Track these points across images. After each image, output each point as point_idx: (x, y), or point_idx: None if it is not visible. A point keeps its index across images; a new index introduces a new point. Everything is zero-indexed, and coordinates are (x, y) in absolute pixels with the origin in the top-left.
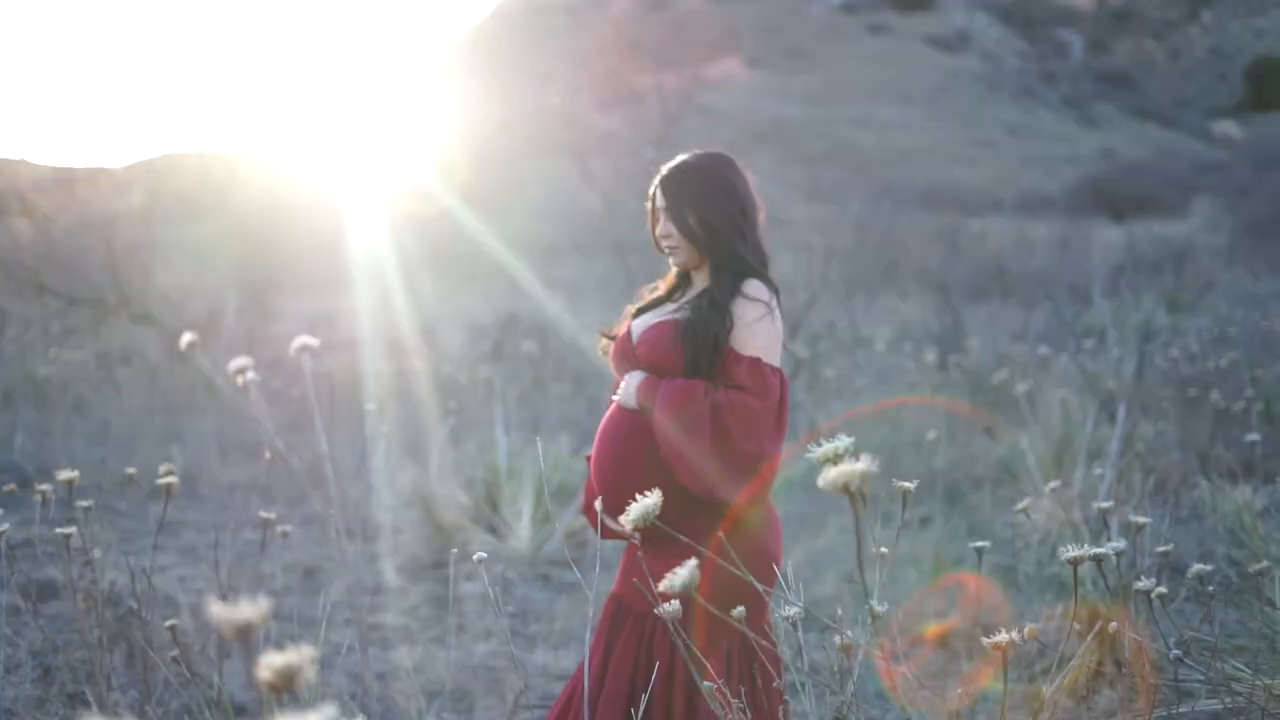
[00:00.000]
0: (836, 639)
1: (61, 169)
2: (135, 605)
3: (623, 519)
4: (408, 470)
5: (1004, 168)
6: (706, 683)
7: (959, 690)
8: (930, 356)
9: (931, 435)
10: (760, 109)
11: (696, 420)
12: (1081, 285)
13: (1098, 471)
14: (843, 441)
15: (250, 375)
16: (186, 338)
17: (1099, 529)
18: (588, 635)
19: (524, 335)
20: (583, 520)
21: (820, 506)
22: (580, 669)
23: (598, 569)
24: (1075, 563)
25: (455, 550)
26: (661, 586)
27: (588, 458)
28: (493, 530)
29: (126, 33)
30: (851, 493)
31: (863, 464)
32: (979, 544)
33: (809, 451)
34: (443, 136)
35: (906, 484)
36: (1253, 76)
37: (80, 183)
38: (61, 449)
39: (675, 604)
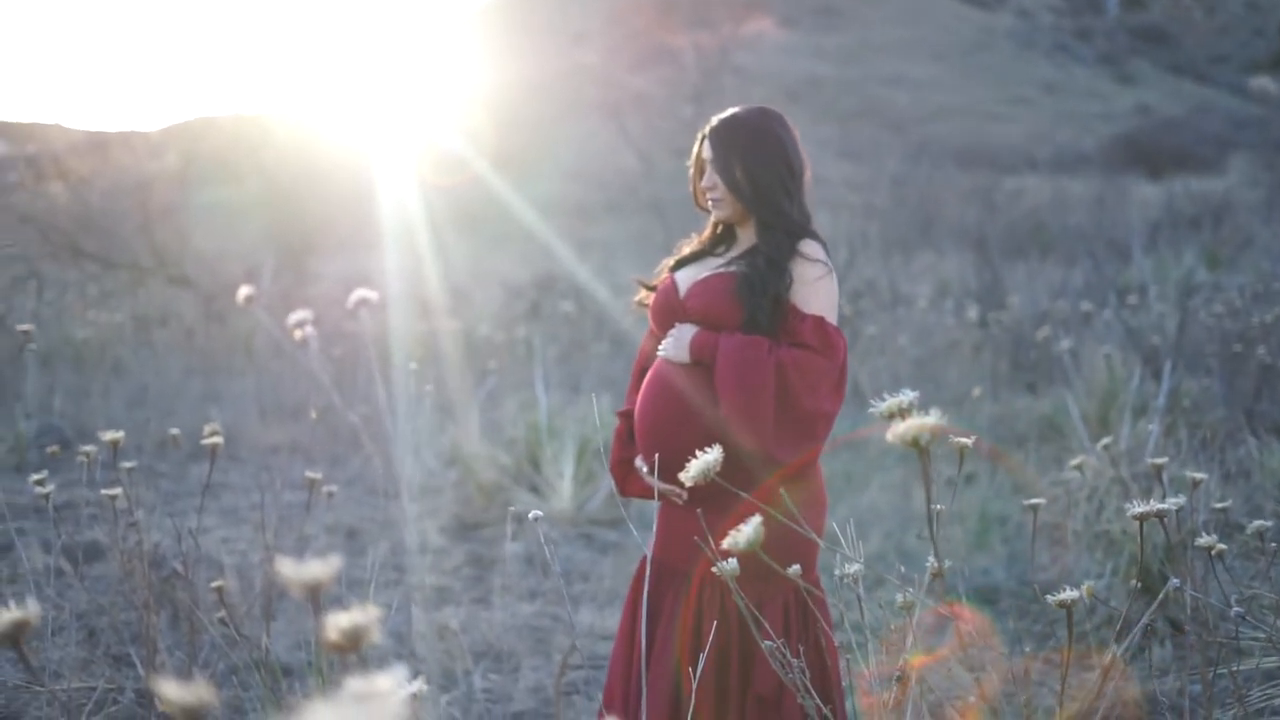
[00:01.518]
0: (898, 597)
1: (96, 133)
2: (180, 567)
3: (682, 475)
4: (448, 431)
5: (1039, 125)
6: (766, 641)
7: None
8: (972, 313)
9: (976, 392)
10: (793, 67)
11: (760, 376)
12: (1120, 242)
13: (1149, 428)
14: (907, 395)
15: (309, 329)
16: (244, 291)
17: (1147, 486)
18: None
19: (560, 295)
20: None
21: (864, 465)
22: (621, 632)
23: (640, 529)
24: (1141, 519)
25: (509, 507)
26: (725, 543)
27: (619, 413)
28: (534, 490)
29: None
30: (921, 447)
31: (932, 418)
32: (1033, 501)
33: (871, 407)
34: (474, 97)
35: (964, 439)
36: None
37: (115, 146)
38: (100, 411)
39: (733, 562)
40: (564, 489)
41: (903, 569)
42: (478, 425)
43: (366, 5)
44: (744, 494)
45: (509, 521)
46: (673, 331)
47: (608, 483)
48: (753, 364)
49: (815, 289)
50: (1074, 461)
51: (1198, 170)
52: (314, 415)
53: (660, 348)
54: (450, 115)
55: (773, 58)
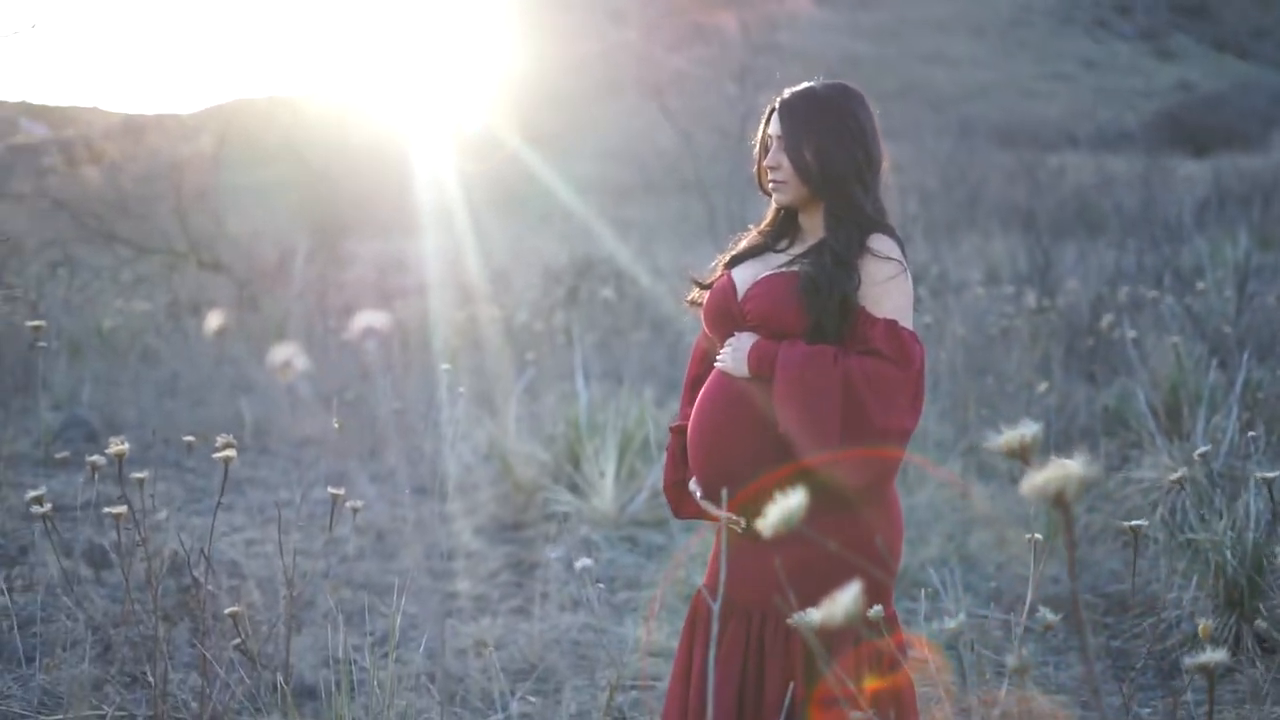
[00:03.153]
0: (949, 622)
1: (132, 116)
2: (198, 578)
3: (760, 523)
4: (483, 424)
5: (1080, 102)
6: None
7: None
8: (1030, 299)
9: (1043, 386)
10: (830, 46)
11: (825, 390)
12: (1170, 221)
13: (1226, 423)
14: (1029, 429)
15: (300, 365)
16: (213, 322)
17: (1228, 487)
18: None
19: (599, 280)
20: None
21: (920, 457)
22: (676, 670)
23: (687, 533)
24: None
25: (549, 508)
26: (821, 614)
27: (672, 428)
28: (574, 489)
29: None
30: (1065, 503)
31: (1078, 465)
32: (1134, 523)
33: (985, 440)
34: (511, 76)
35: (1025, 434)
36: None
37: (149, 129)
38: (130, 401)
39: (813, 612)
40: (606, 488)
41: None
42: (515, 419)
43: None
44: (814, 534)
45: (541, 522)
46: (731, 340)
47: (652, 481)
48: (817, 376)
49: (887, 289)
50: (1173, 476)
51: (1242, 147)
52: (337, 425)
53: (717, 358)
54: (487, 95)
55: (810, 36)
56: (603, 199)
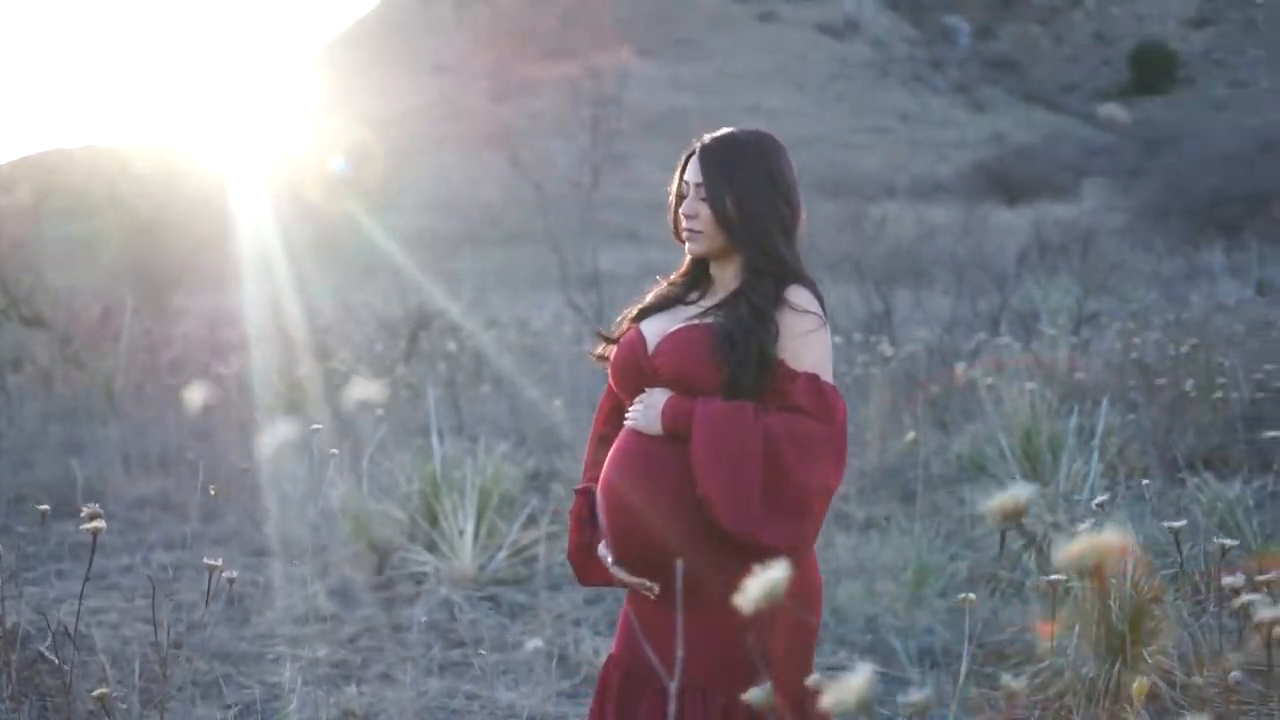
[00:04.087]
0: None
1: None
2: (47, 652)
3: (739, 599)
4: (332, 484)
5: (896, 153)
6: None
7: None
8: (883, 347)
9: (911, 436)
10: (653, 98)
11: (745, 448)
12: (994, 268)
13: (1087, 467)
14: (1023, 490)
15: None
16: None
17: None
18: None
19: (439, 333)
20: (531, 535)
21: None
22: None
23: (548, 588)
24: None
25: (407, 569)
26: (738, 598)
27: (578, 490)
28: (431, 548)
29: (7, 26)
30: (1103, 575)
31: (1115, 535)
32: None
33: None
34: (334, 131)
35: (1018, 497)
36: (1136, 60)
37: None
38: None
39: (761, 690)
40: (465, 547)
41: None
42: (368, 476)
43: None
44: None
45: (400, 583)
46: (642, 397)
47: (512, 539)
48: (736, 434)
49: (806, 343)
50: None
51: (1053, 197)
52: (213, 493)
53: (628, 416)
54: (309, 149)
55: (632, 89)
56: (428, 251)
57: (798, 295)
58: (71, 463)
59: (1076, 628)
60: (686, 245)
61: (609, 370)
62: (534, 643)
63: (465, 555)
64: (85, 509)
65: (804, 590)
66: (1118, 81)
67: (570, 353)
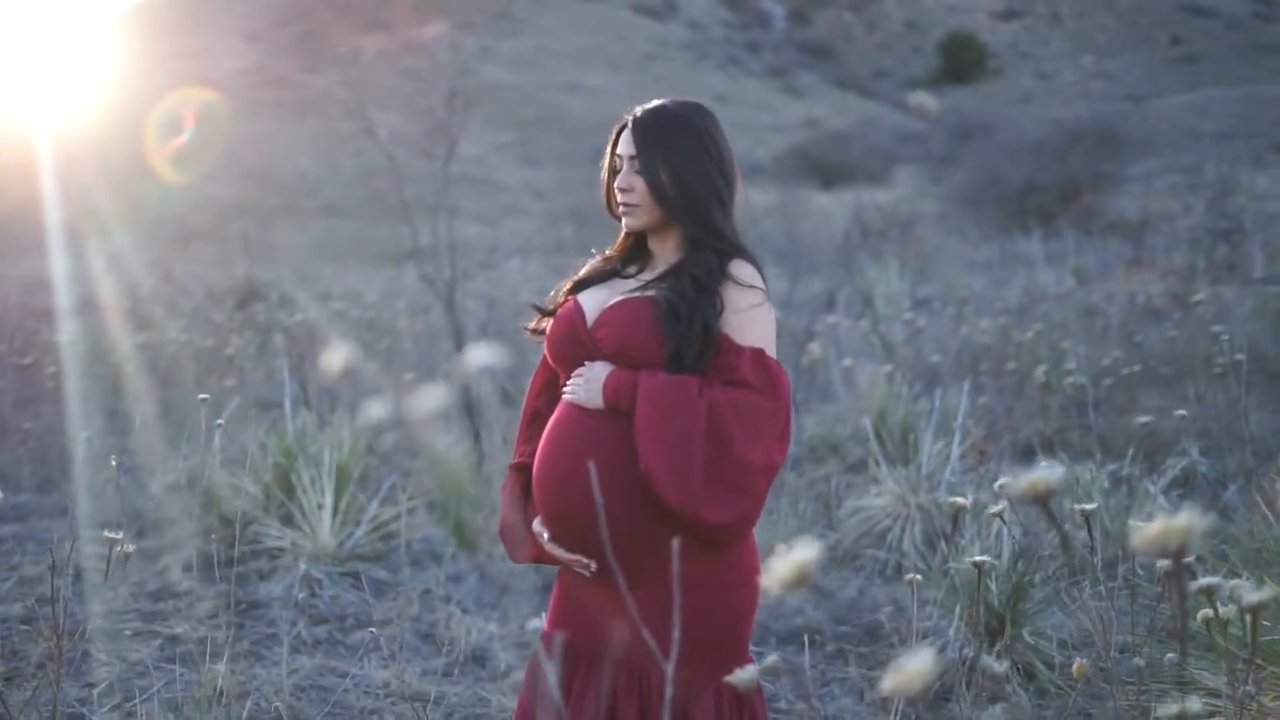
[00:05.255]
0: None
1: None
2: None
3: (768, 580)
4: (179, 455)
5: None
6: None
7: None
8: None
9: None
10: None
11: (690, 423)
12: (818, 253)
13: (950, 450)
14: (1053, 470)
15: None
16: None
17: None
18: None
19: (275, 305)
20: (390, 511)
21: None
22: (521, 717)
23: (410, 564)
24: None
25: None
26: (765, 580)
27: (511, 466)
28: (288, 521)
29: None
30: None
31: (1189, 515)
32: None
33: (1006, 483)
34: (147, 96)
35: (1049, 476)
36: (946, 50)
37: None
38: None
39: (749, 672)
40: (323, 522)
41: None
42: (219, 447)
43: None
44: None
45: (256, 558)
46: (581, 370)
47: (371, 514)
48: (681, 408)
49: (751, 317)
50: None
51: (867, 182)
52: (115, 463)
53: (566, 389)
54: (122, 114)
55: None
56: (245, 222)
57: (741, 270)
58: None
59: (957, 609)
60: (623, 220)
61: (545, 343)
62: (271, 588)
63: (324, 530)
64: None
65: (744, 571)
66: (928, 70)
67: (416, 326)
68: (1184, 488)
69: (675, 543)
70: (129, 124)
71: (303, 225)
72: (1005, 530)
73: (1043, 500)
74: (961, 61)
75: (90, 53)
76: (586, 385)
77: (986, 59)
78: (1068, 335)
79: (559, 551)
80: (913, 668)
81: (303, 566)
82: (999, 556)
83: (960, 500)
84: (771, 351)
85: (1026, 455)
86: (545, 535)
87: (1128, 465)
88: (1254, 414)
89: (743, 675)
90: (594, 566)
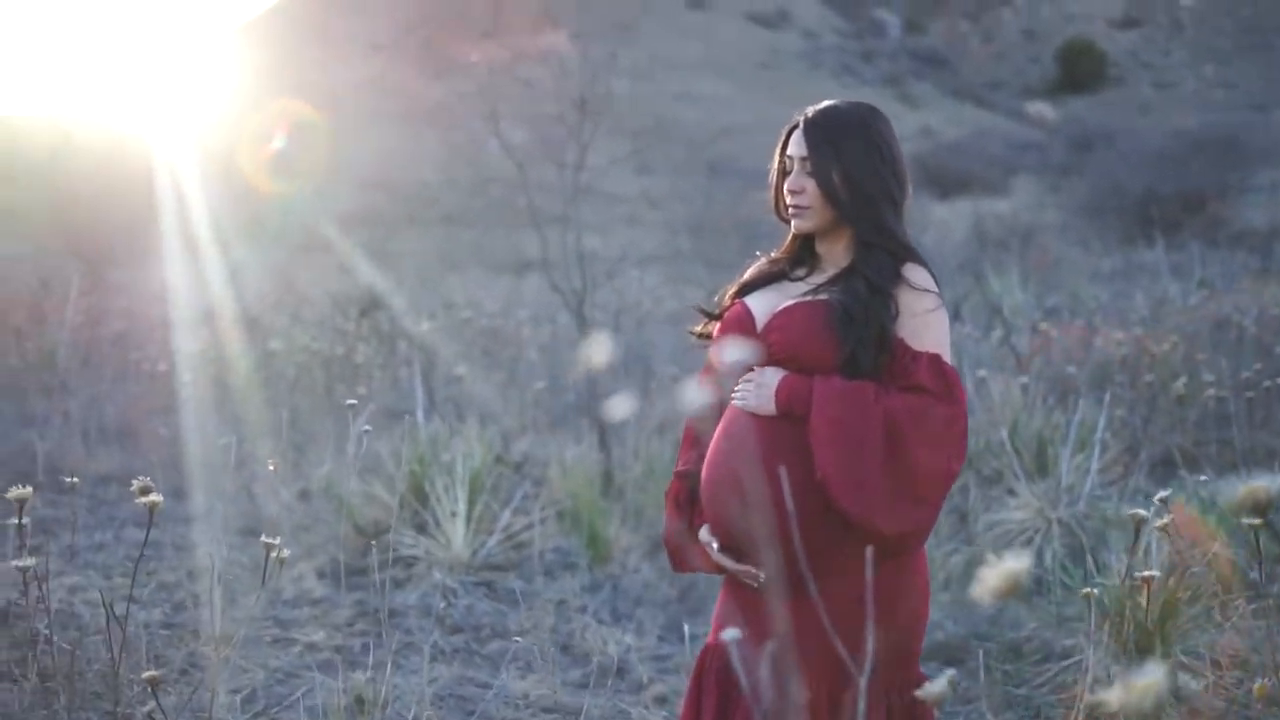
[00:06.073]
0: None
1: None
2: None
3: (979, 590)
4: (313, 462)
5: None
6: None
7: None
8: None
9: None
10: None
11: (867, 430)
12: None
13: (1089, 464)
14: (1274, 482)
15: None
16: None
17: (1094, 527)
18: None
19: (402, 313)
20: (523, 521)
21: None
22: None
23: (545, 577)
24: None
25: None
26: (977, 590)
27: (677, 473)
28: (421, 530)
29: None
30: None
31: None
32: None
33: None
34: (270, 107)
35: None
36: (1064, 58)
37: None
38: None
39: (940, 685)
40: (457, 530)
41: None
42: (353, 455)
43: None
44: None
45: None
46: (752, 374)
47: (503, 524)
48: (857, 414)
49: (927, 322)
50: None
51: (983, 192)
52: (272, 467)
53: (736, 395)
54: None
55: (568, 72)
56: (366, 231)
57: (916, 273)
58: (30, 437)
59: (1106, 626)
60: (793, 222)
61: (711, 348)
62: (406, 597)
63: (458, 539)
64: (136, 483)
65: (917, 584)
66: (1045, 79)
67: (542, 336)
68: None
69: (868, 551)
70: (250, 134)
71: (423, 234)
72: (1154, 545)
73: (1261, 511)
74: (1079, 70)
75: (213, 62)
76: (758, 390)
77: (1105, 68)
78: (1202, 347)
79: (727, 561)
80: (1009, 566)
81: (437, 575)
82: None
83: (1140, 512)
84: (948, 357)
85: (1166, 469)
86: (715, 545)
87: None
88: None
89: (933, 689)
90: (763, 577)
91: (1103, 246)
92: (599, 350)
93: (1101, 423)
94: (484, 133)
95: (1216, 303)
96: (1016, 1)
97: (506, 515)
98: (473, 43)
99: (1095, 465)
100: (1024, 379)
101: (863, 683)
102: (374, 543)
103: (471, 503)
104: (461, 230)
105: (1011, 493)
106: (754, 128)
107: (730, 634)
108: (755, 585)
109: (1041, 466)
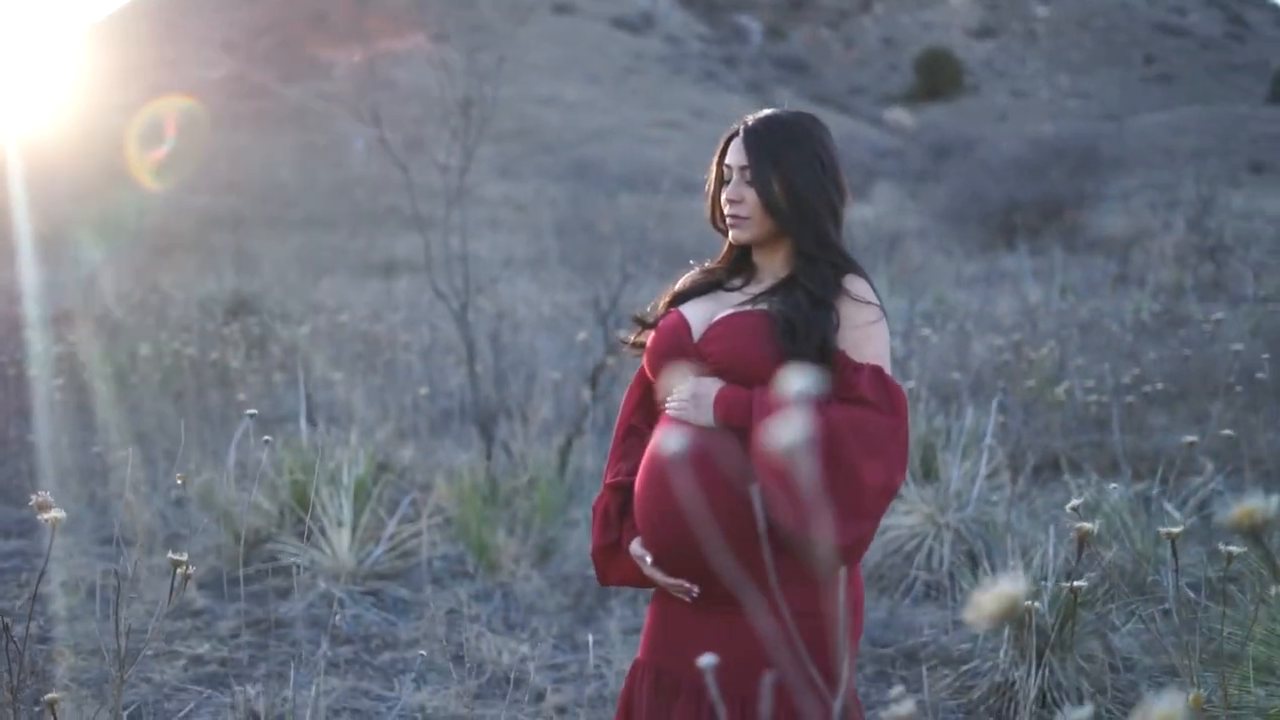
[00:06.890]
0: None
1: None
2: None
3: (970, 615)
4: (189, 468)
5: (692, 149)
6: None
7: None
8: None
9: None
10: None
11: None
12: None
13: (977, 468)
14: (1272, 501)
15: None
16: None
17: (980, 531)
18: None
19: (272, 317)
20: (408, 529)
21: None
22: None
23: (434, 585)
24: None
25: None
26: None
27: (607, 484)
28: (305, 539)
29: None
30: None
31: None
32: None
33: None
34: (121, 106)
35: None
36: (922, 66)
37: None
38: None
39: (907, 706)
40: (342, 539)
41: None
42: (233, 463)
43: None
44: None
45: (274, 575)
46: (688, 385)
47: (390, 532)
48: None
49: (868, 334)
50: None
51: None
52: (180, 480)
53: (671, 405)
54: (96, 124)
55: (427, 73)
56: (224, 232)
57: (856, 285)
58: None
59: (1007, 630)
60: (730, 232)
61: (645, 357)
62: (288, 606)
63: (343, 548)
64: (35, 497)
65: (851, 597)
66: (904, 86)
67: (419, 339)
68: (1203, 507)
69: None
70: (103, 134)
71: (283, 236)
72: (1052, 550)
73: (1256, 531)
74: (937, 78)
75: (62, 63)
76: (695, 401)
77: (962, 76)
78: (1076, 352)
79: (659, 575)
80: (1002, 590)
81: (322, 585)
82: (1044, 579)
83: (1086, 526)
84: (889, 368)
85: (1050, 472)
86: (648, 559)
87: (1157, 484)
88: (1266, 433)
89: (900, 711)
90: (696, 591)
91: (964, 252)
92: (797, 380)
93: (990, 428)
94: (347, 135)
95: (1084, 308)
96: (876, 9)
97: (393, 524)
98: (331, 44)
99: (983, 470)
100: (910, 384)
101: (837, 706)
102: (258, 551)
103: (357, 511)
104: (323, 233)
105: (900, 498)
106: (619, 132)
107: (707, 660)
108: (688, 599)
109: (929, 472)
